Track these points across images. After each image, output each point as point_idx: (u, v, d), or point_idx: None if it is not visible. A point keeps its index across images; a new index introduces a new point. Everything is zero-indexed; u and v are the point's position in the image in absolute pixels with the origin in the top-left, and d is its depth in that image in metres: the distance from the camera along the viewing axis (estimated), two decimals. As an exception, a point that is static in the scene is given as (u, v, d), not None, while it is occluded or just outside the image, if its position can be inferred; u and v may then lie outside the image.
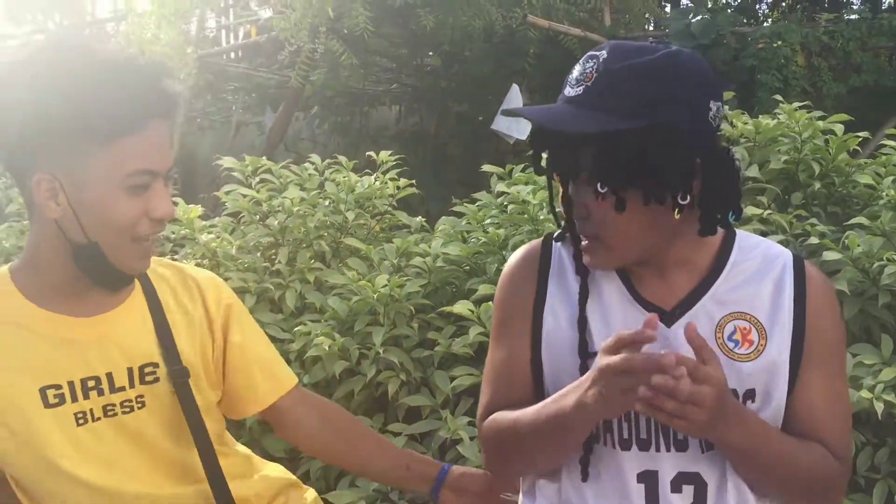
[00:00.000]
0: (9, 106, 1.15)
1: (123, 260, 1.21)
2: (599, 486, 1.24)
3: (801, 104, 3.19)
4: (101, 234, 1.18)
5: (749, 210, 2.59)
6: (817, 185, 2.78)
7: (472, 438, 2.35)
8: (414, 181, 3.39)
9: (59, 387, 1.23)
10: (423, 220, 3.35)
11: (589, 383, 1.11)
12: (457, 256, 2.76)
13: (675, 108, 1.14)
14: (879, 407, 2.14)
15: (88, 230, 1.18)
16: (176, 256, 3.13)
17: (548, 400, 1.23)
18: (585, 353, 1.24)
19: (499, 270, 2.71)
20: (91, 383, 1.25)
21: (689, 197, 1.16)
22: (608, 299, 1.26)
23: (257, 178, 3.32)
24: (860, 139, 2.87)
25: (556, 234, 1.32)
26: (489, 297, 2.56)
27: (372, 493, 2.39)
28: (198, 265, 3.02)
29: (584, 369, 1.23)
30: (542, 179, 2.99)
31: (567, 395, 1.17)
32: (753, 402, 1.21)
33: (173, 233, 3.20)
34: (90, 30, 11.27)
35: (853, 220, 2.60)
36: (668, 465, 1.21)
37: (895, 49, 5.36)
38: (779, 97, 3.54)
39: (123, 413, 1.28)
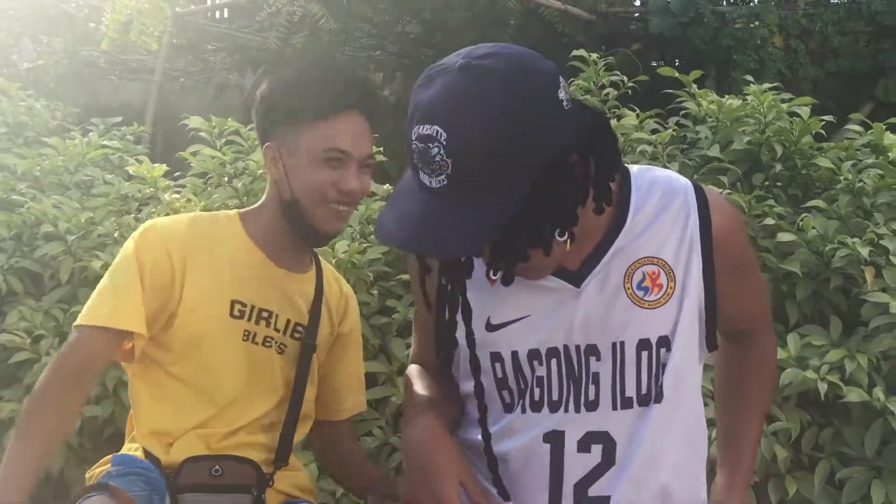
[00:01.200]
0: (261, 95, 1.56)
1: (316, 218, 1.51)
2: (507, 449, 1.25)
3: (772, 86, 3.20)
4: (302, 194, 1.50)
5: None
6: (778, 167, 2.80)
7: (424, 405, 2.38)
8: (382, 148, 3.38)
9: (244, 304, 1.55)
10: (391, 187, 3.34)
11: (414, 443, 1.21)
12: (419, 225, 2.75)
13: (546, 132, 1.03)
14: (823, 387, 2.18)
15: (295, 189, 1.51)
16: (140, 215, 3.11)
17: (415, 399, 1.31)
18: (473, 346, 1.24)
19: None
20: (265, 314, 1.56)
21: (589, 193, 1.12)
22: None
23: (223, 140, 3.30)
24: (824, 122, 2.88)
25: None
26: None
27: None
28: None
29: (474, 362, 1.25)
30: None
31: (416, 411, 1.26)
32: (668, 350, 1.20)
33: (139, 191, 3.18)
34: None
35: (810, 203, 2.63)
36: (576, 425, 1.22)
37: (873, 34, 5.37)
38: (750, 77, 3.54)
39: (265, 346, 1.57)
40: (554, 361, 1.22)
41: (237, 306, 1.54)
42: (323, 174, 1.48)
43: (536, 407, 1.23)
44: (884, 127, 2.91)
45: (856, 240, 2.37)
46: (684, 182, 1.24)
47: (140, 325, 1.48)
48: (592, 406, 1.21)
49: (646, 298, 1.20)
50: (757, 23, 4.77)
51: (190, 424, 1.52)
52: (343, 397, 1.74)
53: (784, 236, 2.44)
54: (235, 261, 1.56)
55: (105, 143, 3.63)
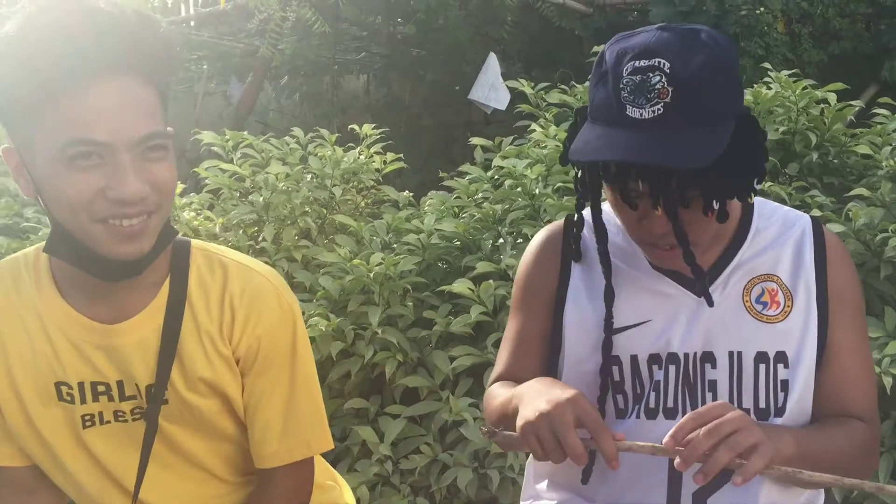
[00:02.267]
0: None
1: (97, 244, 1.03)
2: (622, 457, 1.22)
3: (790, 72, 3.15)
4: (61, 214, 1.03)
5: (750, 182, 2.55)
6: (814, 156, 2.74)
7: (475, 419, 2.30)
8: (402, 155, 3.30)
9: (69, 385, 1.15)
10: (411, 195, 3.26)
11: (536, 401, 1.08)
12: (451, 233, 2.68)
13: (741, 87, 1.13)
14: (888, 382, 2.12)
15: (51, 209, 1.03)
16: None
17: (509, 389, 1.24)
18: (610, 328, 1.24)
19: (494, 247, 2.65)
20: (101, 388, 1.16)
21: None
22: (636, 273, 1.26)
23: (238, 153, 3.20)
24: (856, 109, 2.83)
25: (576, 218, 1.30)
26: (488, 275, 2.50)
27: (373, 476, 2.34)
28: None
29: (607, 345, 1.24)
30: (535, 152, 2.92)
31: (516, 390, 1.18)
32: (786, 366, 1.21)
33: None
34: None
35: (853, 192, 2.57)
36: None
37: (873, 15, 5.35)
38: (767, 65, 3.49)
39: (133, 420, 1.18)
40: (672, 368, 1.23)
41: (63, 389, 1.15)
42: (72, 179, 0.99)
43: (651, 414, 1.24)
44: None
45: (908, 227, 2.31)
46: (803, 215, 1.28)
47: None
48: None
49: (764, 312, 1.22)
50: (762, 9, 4.72)
51: None
52: (261, 441, 1.22)
53: (833, 227, 2.38)
54: (44, 325, 1.14)
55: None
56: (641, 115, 1.05)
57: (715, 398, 1.21)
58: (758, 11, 4.67)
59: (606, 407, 1.25)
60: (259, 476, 1.26)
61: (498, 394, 1.28)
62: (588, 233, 1.30)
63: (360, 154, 3.30)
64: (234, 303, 1.17)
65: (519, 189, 2.75)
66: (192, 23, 7.92)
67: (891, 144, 2.74)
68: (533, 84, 3.38)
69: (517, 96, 4.12)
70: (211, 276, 1.18)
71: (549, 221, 2.61)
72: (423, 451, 2.38)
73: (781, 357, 1.21)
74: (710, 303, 1.21)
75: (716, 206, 1.11)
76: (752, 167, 1.14)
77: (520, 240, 2.67)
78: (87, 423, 1.17)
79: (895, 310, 2.36)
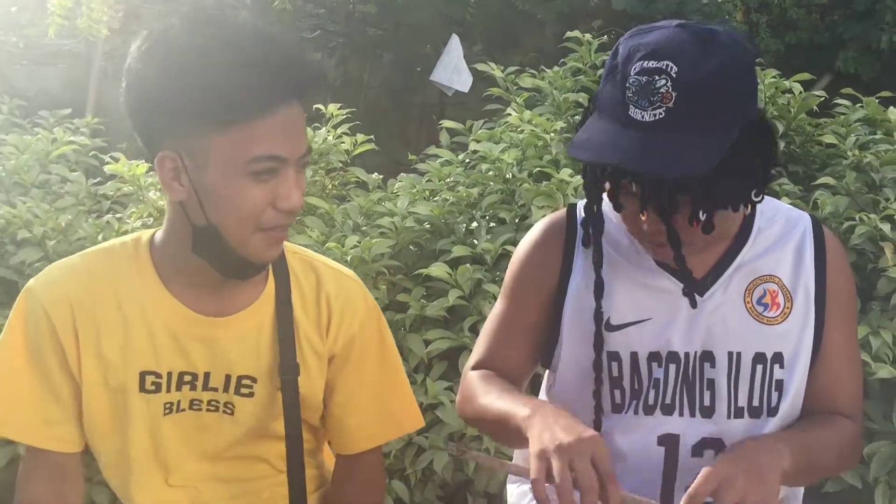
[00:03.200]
0: (141, 82, 1.09)
1: (247, 248, 1.13)
2: (621, 445, 1.25)
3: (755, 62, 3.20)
4: (223, 220, 1.10)
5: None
6: (781, 145, 2.80)
7: (451, 402, 2.31)
8: (373, 137, 3.27)
9: (158, 375, 1.21)
10: (381, 177, 3.24)
11: (554, 428, 1.06)
12: (424, 216, 2.67)
13: (754, 94, 1.11)
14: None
15: (210, 213, 1.10)
16: (119, 215, 2.94)
17: (510, 399, 1.20)
18: (600, 320, 1.24)
19: (468, 231, 2.65)
20: (188, 378, 1.22)
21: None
22: (637, 269, 1.26)
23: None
24: (820, 99, 2.89)
25: (581, 206, 1.29)
26: (464, 260, 2.50)
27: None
28: (144, 225, 2.86)
29: (598, 339, 1.24)
30: (510, 136, 2.92)
31: (524, 408, 1.14)
32: (782, 367, 1.23)
33: (119, 189, 3.01)
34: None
35: (820, 181, 2.63)
36: (691, 429, 1.23)
37: (828, 7, 5.47)
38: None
39: (208, 410, 1.25)
40: (672, 367, 1.24)
41: (149, 378, 1.21)
42: (251, 193, 1.08)
43: (649, 410, 1.25)
44: (876, 100, 2.95)
45: (872, 216, 2.38)
46: (804, 215, 1.30)
47: (30, 434, 1.22)
48: (708, 413, 1.24)
49: (764, 314, 1.23)
50: (723, -3, 4.80)
51: None
52: (358, 427, 1.33)
53: (802, 216, 2.43)
54: (138, 320, 1.20)
55: (71, 138, 3.42)
56: (643, 117, 1.06)
57: (713, 397, 1.23)
58: (718, 0, 4.73)
59: (603, 401, 1.26)
60: (344, 463, 1.36)
61: (483, 391, 1.25)
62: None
63: (327, 134, 3.26)
64: (331, 304, 1.26)
65: (493, 173, 2.74)
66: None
67: (854, 135, 2.81)
68: (502, 68, 3.38)
69: (482, 80, 4.11)
70: (305, 278, 1.27)
71: (524, 205, 2.63)
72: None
73: (778, 358, 1.23)
74: (694, 304, 1.21)
75: (702, 216, 1.11)
76: (752, 178, 1.13)
77: (493, 223, 2.67)
78: (167, 412, 1.23)
79: (859, 296, 2.42)
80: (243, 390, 1.24)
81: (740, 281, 1.24)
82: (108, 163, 3.05)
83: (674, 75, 1.04)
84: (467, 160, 3.00)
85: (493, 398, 1.22)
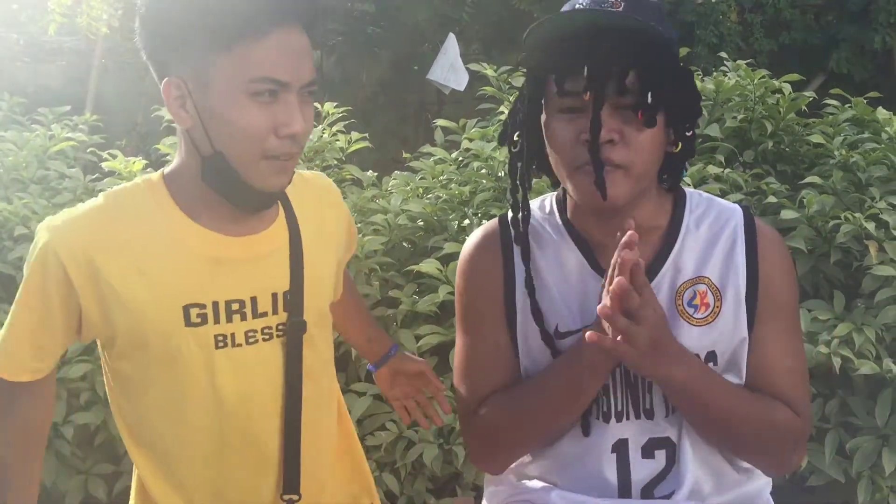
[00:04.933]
0: (153, 7, 1.12)
1: (255, 176, 1.13)
2: (570, 462, 1.27)
3: (745, 62, 3.25)
4: (228, 146, 1.11)
5: (710, 169, 2.63)
6: (769, 144, 2.83)
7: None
8: (367, 134, 3.31)
9: (202, 306, 1.18)
10: (375, 174, 3.27)
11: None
12: (417, 213, 2.71)
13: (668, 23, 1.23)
14: (837, 362, 2.22)
15: (215, 140, 1.11)
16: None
17: (553, 366, 1.23)
18: (540, 319, 1.25)
19: (460, 228, 2.69)
20: (235, 306, 1.19)
21: (692, 130, 1.22)
22: (569, 271, 1.26)
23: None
24: (809, 99, 2.93)
25: (510, 216, 1.30)
26: (455, 256, 2.53)
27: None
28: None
29: (546, 338, 1.25)
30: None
31: (574, 355, 1.19)
32: (716, 364, 1.24)
33: (115, 186, 3.04)
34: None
35: (806, 180, 2.67)
36: (638, 432, 1.24)
37: (822, 8, 5.50)
38: (723, 54, 3.58)
39: (264, 340, 1.22)
40: (617, 371, 1.24)
41: (193, 311, 1.18)
42: (252, 115, 1.09)
43: (605, 417, 1.25)
44: (864, 101, 2.98)
45: (858, 215, 2.41)
46: (736, 208, 1.29)
47: (23, 372, 1.21)
48: (650, 414, 1.25)
49: (695, 315, 1.23)
50: (717, -2, 4.84)
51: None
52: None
53: (787, 213, 2.47)
54: (172, 252, 1.17)
55: (69, 135, 3.45)
56: (601, 4, 1.15)
57: (652, 398, 1.24)
58: (713, 0, 4.77)
59: None
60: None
61: (502, 404, 1.26)
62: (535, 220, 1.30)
63: (323, 132, 3.29)
64: (327, 198, 1.38)
65: (485, 171, 2.78)
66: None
67: (841, 135, 2.84)
68: (495, 67, 3.41)
69: (477, 78, 4.15)
70: (301, 188, 1.31)
71: (515, 203, 2.66)
72: (389, 428, 2.42)
73: (712, 356, 1.23)
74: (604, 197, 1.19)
75: (650, 105, 1.14)
76: (691, 102, 1.21)
77: (485, 220, 2.70)
78: (220, 344, 1.19)
79: (843, 294, 2.46)
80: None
81: (670, 284, 1.24)
82: (105, 159, 3.08)
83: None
84: (460, 158, 3.03)
85: (534, 387, 1.25)
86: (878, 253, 2.38)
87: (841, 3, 5.37)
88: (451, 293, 2.44)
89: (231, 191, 1.15)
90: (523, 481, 1.33)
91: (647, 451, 1.24)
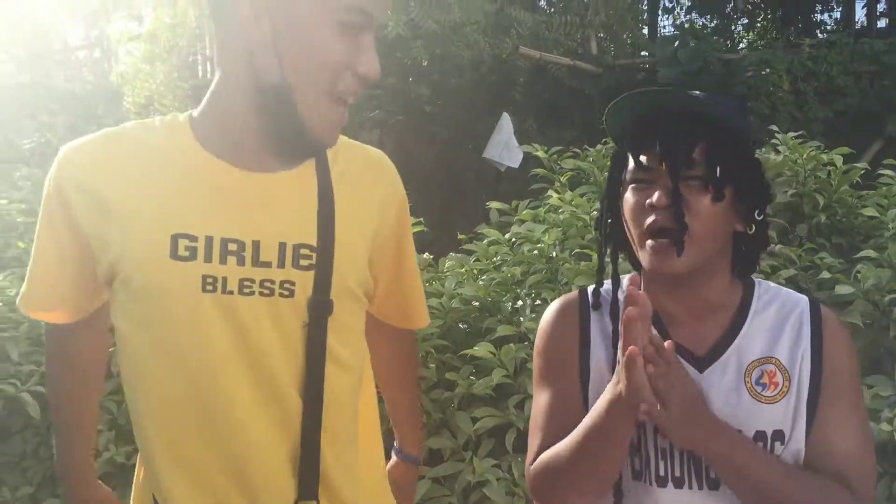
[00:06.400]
0: None
1: (316, 117, 1.03)
2: None
3: (797, 134, 3.26)
4: (299, 75, 1.01)
5: (760, 245, 2.63)
6: (822, 218, 2.83)
7: (498, 480, 2.36)
8: (422, 219, 3.40)
9: (193, 238, 1.03)
10: (431, 256, 3.36)
11: (616, 379, 1.17)
12: (472, 296, 2.77)
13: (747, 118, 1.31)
14: (900, 439, 2.18)
15: (286, 66, 1.01)
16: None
17: (590, 412, 1.27)
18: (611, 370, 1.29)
19: (514, 309, 2.73)
20: (232, 246, 1.04)
21: (763, 215, 1.28)
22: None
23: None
24: (861, 171, 2.93)
25: (592, 290, 1.37)
26: (508, 338, 2.57)
27: None
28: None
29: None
30: (552, 217, 3.02)
31: (600, 401, 1.22)
32: (783, 443, 1.25)
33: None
34: (61, 57, 11.30)
35: (861, 253, 2.65)
36: (701, 502, 1.25)
37: (876, 73, 5.48)
38: (774, 127, 3.60)
39: (261, 294, 1.05)
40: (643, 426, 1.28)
41: (182, 242, 1.03)
42: (335, 45, 1.01)
43: (662, 482, 1.27)
44: (918, 171, 2.96)
45: (916, 289, 2.39)
46: (802, 297, 1.34)
47: (55, 311, 1.16)
48: (714, 485, 1.26)
49: (763, 393, 1.26)
50: (768, 70, 4.87)
51: (159, 448, 1.07)
52: (410, 307, 1.35)
53: (842, 288, 2.46)
54: (167, 176, 1.06)
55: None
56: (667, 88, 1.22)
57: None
58: (763, 72, 4.80)
59: (623, 468, 1.29)
60: (397, 338, 1.41)
61: (548, 457, 1.29)
62: (604, 300, 1.36)
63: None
64: (375, 159, 1.25)
65: (536, 253, 2.84)
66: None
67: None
68: (546, 148, 3.50)
69: (532, 156, 4.25)
70: (343, 152, 1.20)
71: (567, 284, 2.71)
72: (447, 512, 2.43)
73: (779, 435, 1.25)
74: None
75: (718, 179, 1.20)
76: (760, 187, 1.26)
77: (538, 302, 2.75)
78: (208, 287, 1.04)
79: (903, 367, 2.42)
80: (302, 262, 1.07)
81: (739, 362, 1.28)
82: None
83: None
84: (513, 239, 3.10)
85: (570, 438, 1.28)
86: (939, 327, 2.34)
87: (896, 67, 5.35)
88: (507, 376, 2.48)
89: (283, 127, 1.04)
90: None
91: None
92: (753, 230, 1.28)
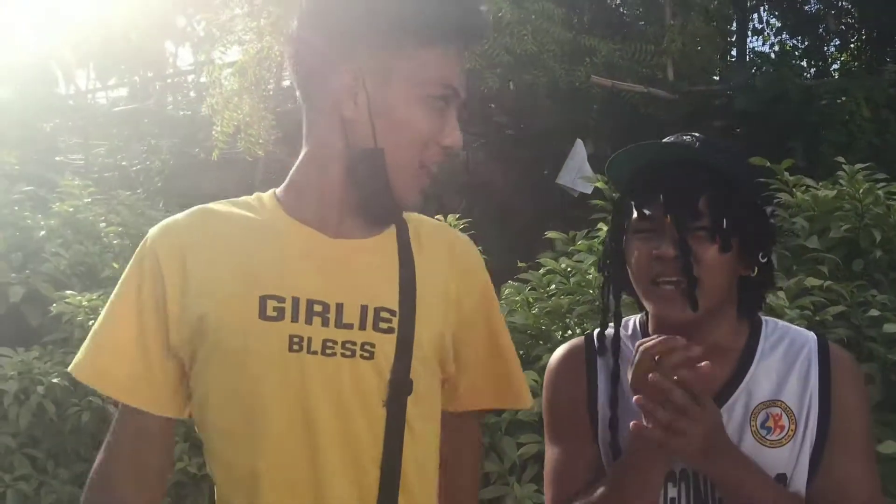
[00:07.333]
0: (324, 6, 1.11)
1: (402, 181, 1.10)
2: None
3: (864, 166, 3.22)
4: (392, 142, 1.08)
5: (809, 281, 2.64)
6: (878, 253, 2.81)
7: (538, 505, 2.44)
8: (481, 248, 3.51)
9: (280, 299, 1.07)
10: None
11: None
12: (523, 324, 2.87)
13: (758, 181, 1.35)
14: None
15: (381, 136, 1.08)
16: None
17: (613, 465, 1.29)
18: (616, 435, 1.29)
19: (564, 339, 2.81)
20: (317, 308, 1.08)
21: (767, 258, 1.29)
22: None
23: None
24: (923, 206, 2.89)
25: (596, 334, 1.37)
26: (553, 367, 2.65)
27: None
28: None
29: (615, 448, 1.30)
30: (601, 248, 3.08)
31: (626, 452, 1.24)
32: (786, 486, 1.26)
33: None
34: (171, 81, 11.96)
35: (916, 290, 2.62)
36: None
37: (965, 99, 5.29)
38: (841, 159, 3.56)
39: (343, 356, 1.08)
40: (683, 484, 1.29)
41: (270, 303, 1.07)
42: (424, 119, 1.08)
43: None
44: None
45: (967, 328, 2.36)
46: (810, 335, 1.34)
47: (138, 396, 1.11)
48: None
49: (768, 437, 1.27)
50: (844, 98, 4.78)
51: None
52: (508, 384, 1.28)
53: (889, 327, 2.45)
54: (258, 242, 1.11)
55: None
56: (672, 140, 1.29)
57: None
58: (839, 101, 4.72)
59: None
60: (454, 422, 1.26)
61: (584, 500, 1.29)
62: (608, 345, 1.36)
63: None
64: (455, 250, 1.23)
65: (584, 284, 2.91)
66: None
67: (956, 242, 2.78)
68: (605, 179, 3.56)
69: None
70: (420, 224, 1.23)
71: (614, 316, 2.76)
72: None
73: (782, 478, 1.26)
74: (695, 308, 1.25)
75: (724, 231, 1.22)
76: (764, 232, 1.28)
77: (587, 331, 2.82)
78: (295, 347, 1.07)
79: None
80: (382, 325, 1.10)
81: (745, 406, 1.28)
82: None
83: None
84: (568, 269, 3.18)
85: (598, 487, 1.29)
86: None
87: None
88: (548, 403, 2.56)
89: (372, 190, 1.11)
90: None
91: None
92: (757, 272, 1.29)
